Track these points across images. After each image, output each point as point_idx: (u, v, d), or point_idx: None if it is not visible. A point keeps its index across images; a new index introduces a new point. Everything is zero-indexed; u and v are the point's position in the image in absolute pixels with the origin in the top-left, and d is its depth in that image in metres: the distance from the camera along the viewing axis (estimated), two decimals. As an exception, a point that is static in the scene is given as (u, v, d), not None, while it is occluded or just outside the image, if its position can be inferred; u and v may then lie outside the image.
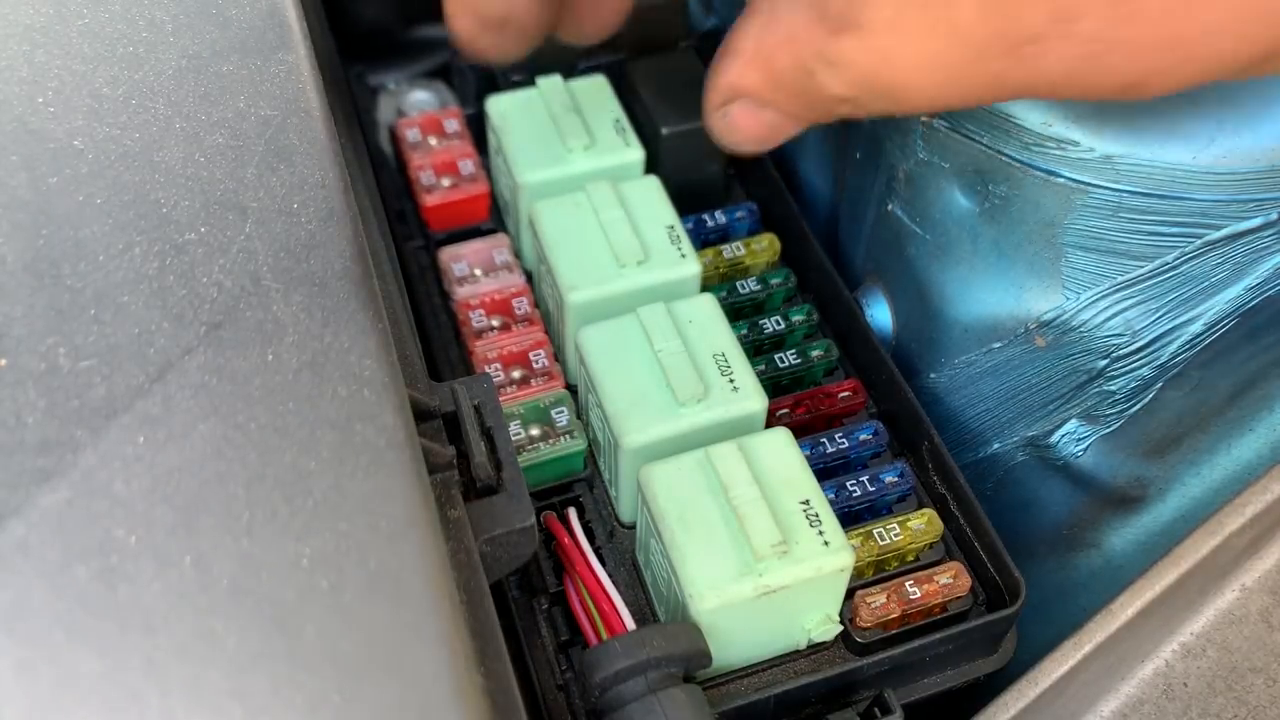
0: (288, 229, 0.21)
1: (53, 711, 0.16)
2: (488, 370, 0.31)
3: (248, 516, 0.17)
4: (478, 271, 0.34)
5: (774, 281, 0.35)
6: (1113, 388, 0.32)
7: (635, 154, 0.34)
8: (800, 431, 0.30)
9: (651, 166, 0.35)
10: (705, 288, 0.33)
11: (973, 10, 0.20)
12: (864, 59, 0.22)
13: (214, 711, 0.16)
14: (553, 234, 0.32)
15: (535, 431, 0.30)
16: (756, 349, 0.33)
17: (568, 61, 0.38)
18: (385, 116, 0.41)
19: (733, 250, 0.35)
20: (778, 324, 0.34)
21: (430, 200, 0.36)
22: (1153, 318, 0.30)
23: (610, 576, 0.28)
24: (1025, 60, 0.21)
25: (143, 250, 0.20)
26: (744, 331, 0.33)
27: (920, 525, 0.29)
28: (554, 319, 0.33)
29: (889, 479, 0.30)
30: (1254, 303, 0.29)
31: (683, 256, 0.32)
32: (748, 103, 0.27)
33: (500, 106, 0.35)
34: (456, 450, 0.23)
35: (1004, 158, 0.29)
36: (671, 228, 0.32)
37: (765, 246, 0.35)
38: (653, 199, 0.33)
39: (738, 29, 0.26)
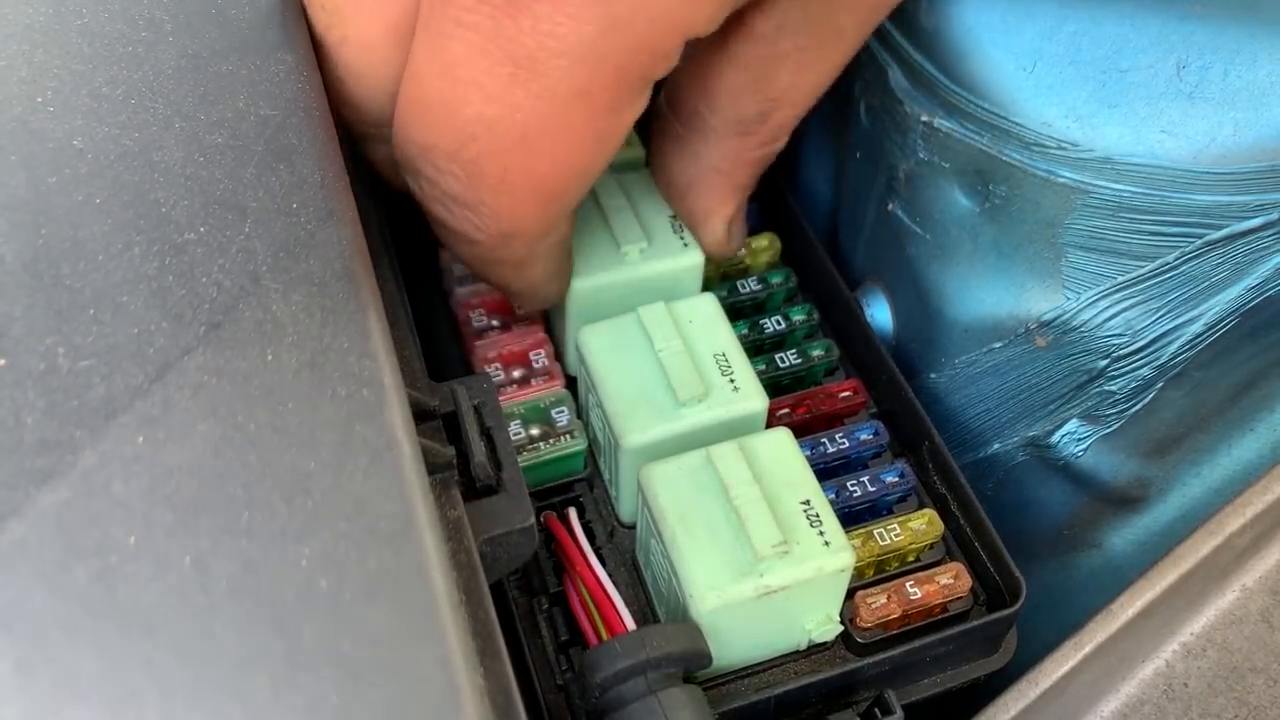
0: (287, 229, 0.21)
1: (52, 711, 0.16)
2: (488, 370, 0.31)
3: (247, 516, 0.17)
4: (478, 271, 0.34)
5: (774, 281, 0.35)
6: (1113, 388, 0.31)
7: None
8: (801, 431, 0.30)
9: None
10: (706, 287, 0.33)
11: None
12: None
13: (213, 712, 0.16)
14: None
15: (535, 431, 0.30)
16: (757, 349, 0.33)
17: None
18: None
19: (733, 250, 0.35)
20: (778, 324, 0.34)
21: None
22: (1153, 318, 0.30)
23: (610, 576, 0.28)
24: None
25: (142, 250, 0.20)
26: (744, 331, 0.33)
27: (921, 525, 0.29)
28: (554, 311, 0.33)
29: (889, 479, 0.30)
30: (1254, 303, 0.29)
31: (685, 245, 0.32)
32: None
33: None
34: (456, 450, 0.23)
35: (1004, 157, 0.29)
36: (674, 217, 0.32)
37: (765, 246, 0.35)
38: (653, 189, 0.33)
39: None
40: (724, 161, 0.30)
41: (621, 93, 0.24)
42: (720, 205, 0.32)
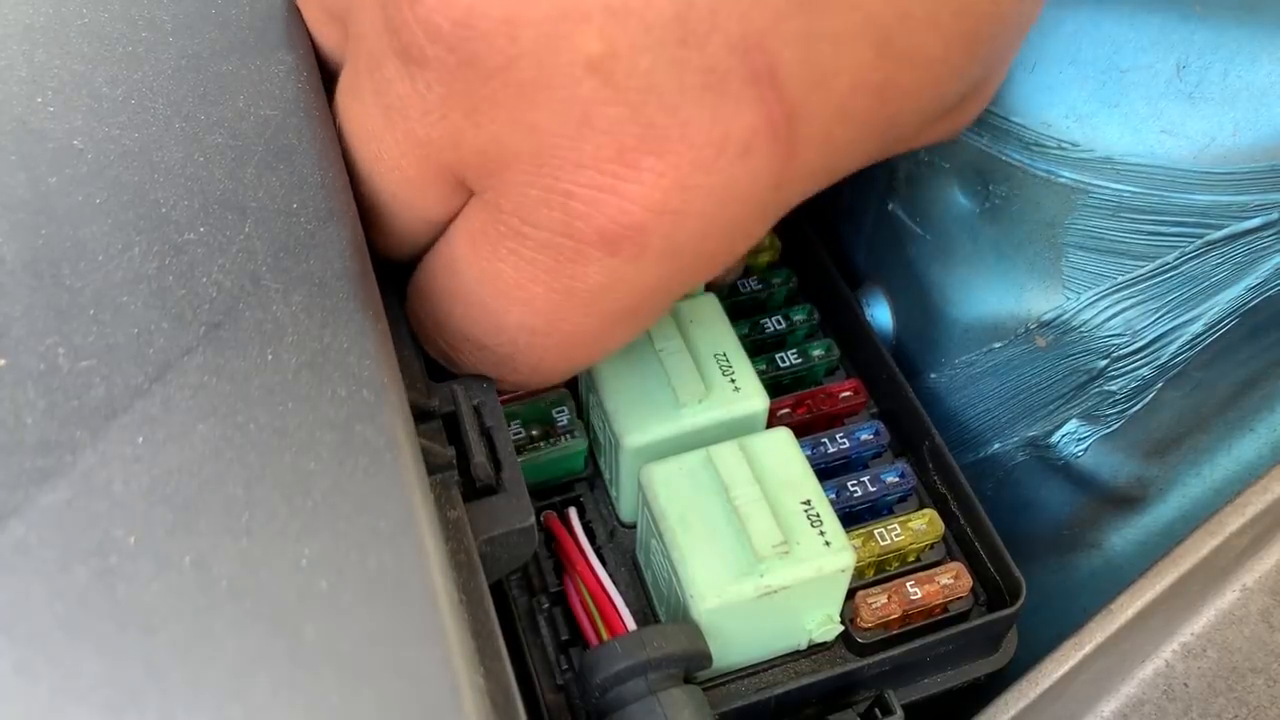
0: (287, 229, 0.21)
1: (52, 711, 0.16)
2: (488, 370, 0.31)
3: (247, 516, 0.17)
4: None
5: (775, 281, 0.35)
6: (1113, 388, 0.31)
7: None
8: (801, 431, 0.30)
9: None
10: (706, 287, 0.33)
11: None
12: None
13: (213, 712, 0.16)
14: None
15: (535, 431, 0.30)
16: (758, 348, 0.33)
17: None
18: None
19: (733, 250, 0.35)
20: (779, 323, 0.34)
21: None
22: (1153, 318, 0.30)
23: (611, 576, 0.28)
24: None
25: (142, 250, 0.20)
26: (745, 331, 0.33)
27: (921, 525, 0.29)
28: None
29: (890, 479, 0.30)
30: (1254, 303, 0.29)
31: None
32: None
33: None
34: (456, 450, 0.23)
35: (1004, 158, 0.29)
36: None
37: (766, 246, 0.35)
38: None
39: None
40: None
41: (671, 303, 0.24)
42: None
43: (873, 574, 0.29)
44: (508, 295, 0.23)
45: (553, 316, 0.23)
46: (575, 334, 0.23)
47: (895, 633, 0.28)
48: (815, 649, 0.28)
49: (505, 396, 0.31)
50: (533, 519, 0.23)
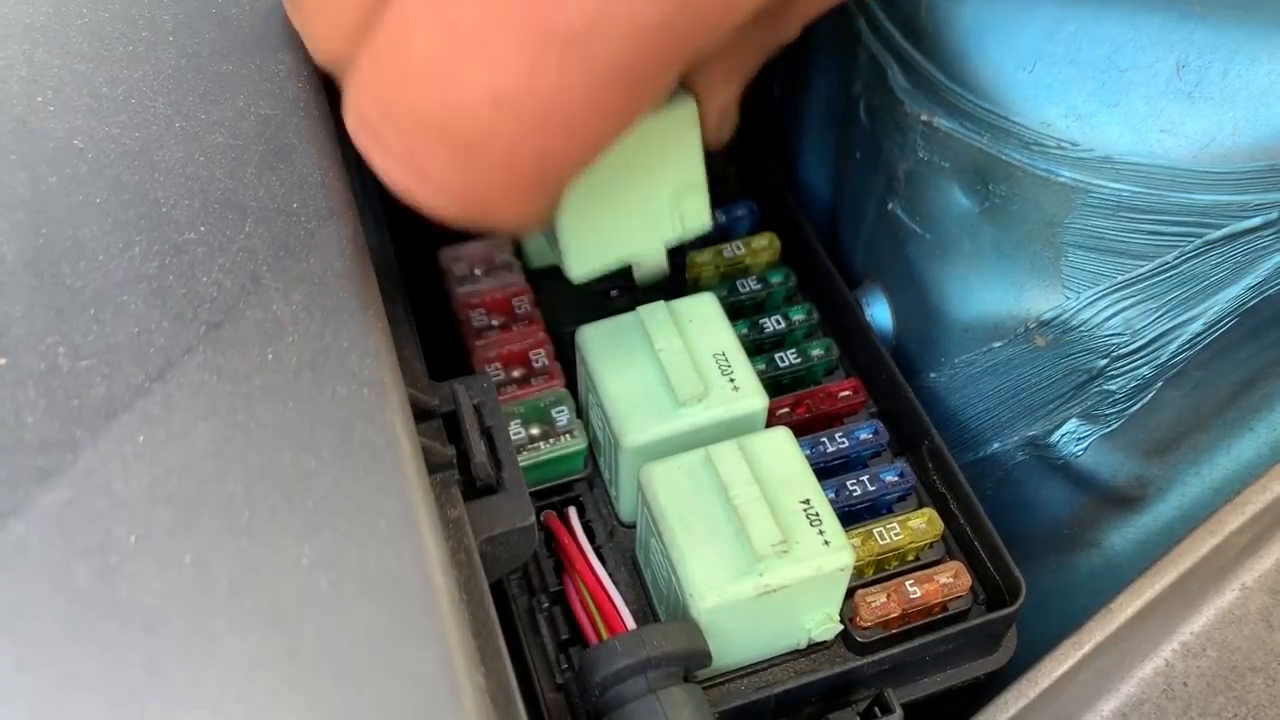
0: (287, 228, 0.21)
1: (53, 711, 0.16)
2: (487, 370, 0.31)
3: (247, 516, 0.17)
4: (478, 270, 0.34)
5: (774, 280, 0.35)
6: (1113, 387, 0.31)
7: None
8: (800, 431, 0.30)
9: None
10: (705, 287, 0.33)
11: None
12: None
13: (214, 711, 0.16)
14: None
15: (535, 431, 0.30)
16: (757, 348, 0.33)
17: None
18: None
19: (733, 249, 0.35)
20: (778, 323, 0.34)
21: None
22: (1153, 317, 0.30)
23: (610, 576, 0.28)
24: None
25: (142, 249, 0.20)
26: (744, 331, 0.33)
27: (920, 525, 0.29)
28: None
29: (889, 478, 0.30)
30: (1254, 302, 0.29)
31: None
32: None
33: None
34: (456, 450, 0.23)
35: (1004, 157, 0.29)
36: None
37: (765, 245, 0.35)
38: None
39: None
40: (730, 42, 0.24)
41: (670, 67, 0.19)
42: (720, 86, 0.27)
43: (872, 573, 0.29)
44: (468, 52, 0.18)
45: (525, 76, 0.18)
46: (554, 103, 0.19)
47: (894, 632, 0.28)
48: (815, 648, 0.28)
49: (505, 396, 0.31)
50: (533, 518, 0.23)
